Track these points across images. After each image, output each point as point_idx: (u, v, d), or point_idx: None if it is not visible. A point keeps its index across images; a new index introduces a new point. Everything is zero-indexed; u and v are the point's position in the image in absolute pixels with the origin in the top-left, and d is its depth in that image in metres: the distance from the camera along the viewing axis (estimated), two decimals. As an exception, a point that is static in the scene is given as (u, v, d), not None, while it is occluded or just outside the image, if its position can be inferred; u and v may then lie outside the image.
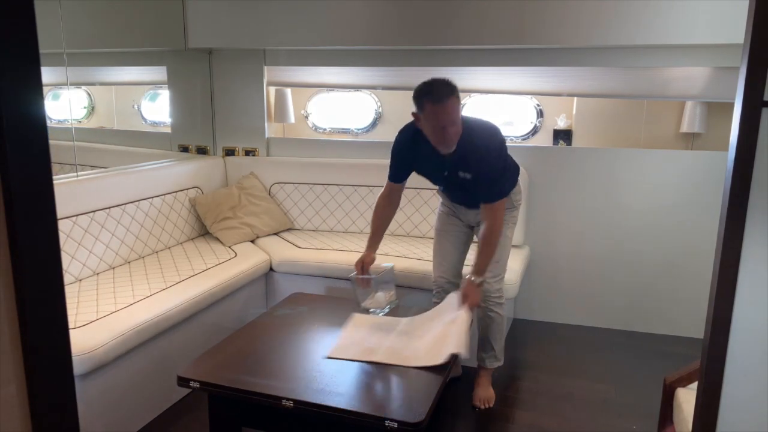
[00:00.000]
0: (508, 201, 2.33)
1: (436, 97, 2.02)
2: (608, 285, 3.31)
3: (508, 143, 3.73)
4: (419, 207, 3.35)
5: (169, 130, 4.08)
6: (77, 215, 2.61)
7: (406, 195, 3.37)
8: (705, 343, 1.12)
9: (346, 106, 4.14)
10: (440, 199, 2.57)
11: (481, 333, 2.49)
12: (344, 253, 3.03)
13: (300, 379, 1.87)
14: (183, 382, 1.86)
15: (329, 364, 1.94)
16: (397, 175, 2.40)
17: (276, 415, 1.86)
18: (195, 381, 1.85)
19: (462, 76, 3.48)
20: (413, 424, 1.63)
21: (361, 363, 1.94)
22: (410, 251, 3.05)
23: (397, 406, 1.71)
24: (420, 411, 1.68)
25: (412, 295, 2.81)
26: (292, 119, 4.03)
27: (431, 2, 3.06)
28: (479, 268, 2.19)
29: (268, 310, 2.52)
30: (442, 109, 2.02)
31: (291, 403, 1.72)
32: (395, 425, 1.63)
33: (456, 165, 2.19)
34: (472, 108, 3.82)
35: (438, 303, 2.33)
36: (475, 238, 2.48)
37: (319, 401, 1.71)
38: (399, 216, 3.39)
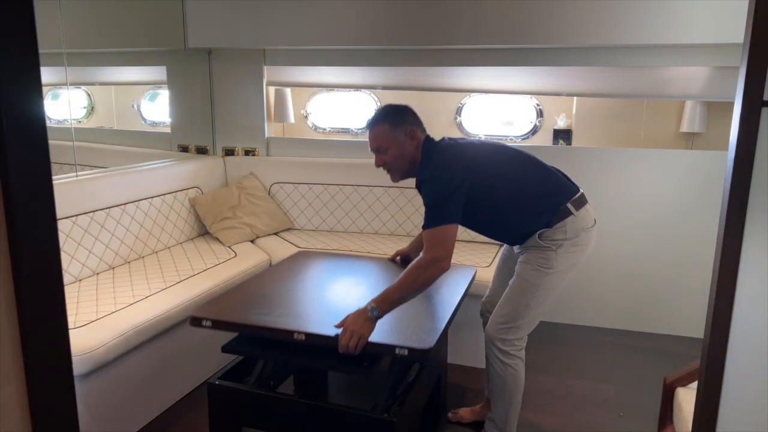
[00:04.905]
0: (531, 240, 2.00)
1: (368, 122, 2.05)
2: (608, 285, 3.31)
3: (510, 141, 3.76)
4: (419, 207, 3.35)
5: (168, 130, 4.08)
6: (77, 215, 2.61)
7: (406, 195, 3.37)
8: (705, 343, 1.12)
9: (346, 106, 4.14)
10: None
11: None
12: (344, 253, 3.03)
13: (311, 316, 1.96)
14: (195, 321, 1.88)
15: (339, 306, 1.96)
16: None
17: (276, 414, 1.86)
18: (207, 320, 1.86)
19: (462, 76, 3.49)
20: (422, 350, 1.66)
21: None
22: (410, 251, 3.05)
23: (407, 336, 1.73)
24: (429, 340, 1.70)
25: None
26: (292, 119, 4.03)
27: (431, 2, 3.07)
28: (381, 295, 1.78)
29: (273, 265, 2.52)
30: (370, 134, 2.04)
31: (303, 336, 1.73)
32: (405, 352, 1.66)
33: (418, 189, 2.04)
34: (471, 108, 3.82)
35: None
36: None
37: (330, 333, 1.72)
38: (399, 216, 3.40)
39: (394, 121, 1.99)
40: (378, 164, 2.03)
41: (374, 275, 2.37)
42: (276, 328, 1.79)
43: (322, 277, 2.43)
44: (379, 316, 1.74)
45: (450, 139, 2.07)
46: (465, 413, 2.38)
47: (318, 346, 1.77)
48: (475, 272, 2.40)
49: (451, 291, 2.12)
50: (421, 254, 1.86)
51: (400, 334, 1.75)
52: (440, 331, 1.77)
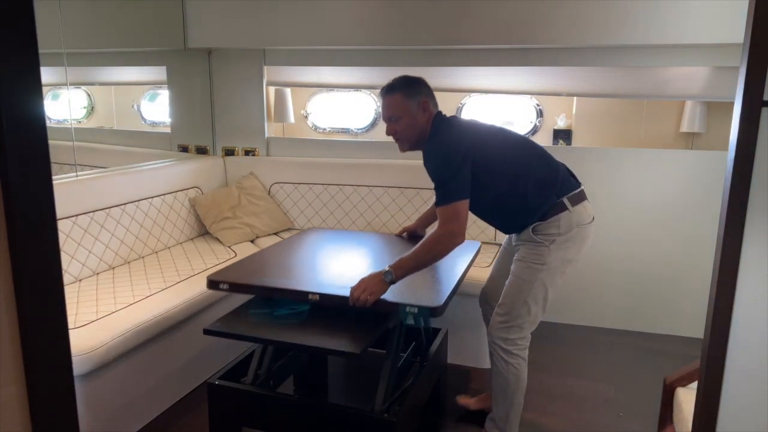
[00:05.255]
0: (525, 233, 2.02)
1: (382, 90, 2.08)
2: (608, 285, 3.31)
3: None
4: (419, 207, 3.35)
5: (168, 130, 4.08)
6: (77, 215, 2.61)
7: (406, 195, 3.37)
8: (705, 343, 1.12)
9: (346, 106, 4.14)
10: None
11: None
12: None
13: (323, 280, 2.07)
14: (213, 285, 1.96)
15: (350, 273, 2.00)
16: None
17: (276, 414, 1.86)
18: (224, 283, 1.94)
19: (462, 76, 3.49)
20: (432, 307, 1.75)
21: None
22: (410, 251, 3.05)
23: (417, 297, 1.82)
24: (438, 299, 1.80)
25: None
26: (292, 119, 4.03)
27: (431, 2, 3.06)
28: (396, 262, 1.84)
29: (284, 239, 2.61)
30: (383, 102, 2.07)
31: (317, 297, 1.82)
32: (415, 309, 1.75)
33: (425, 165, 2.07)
34: (471, 108, 3.82)
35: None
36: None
37: (344, 294, 1.79)
38: (399, 216, 3.39)
39: (408, 90, 2.02)
40: (388, 132, 2.07)
41: (382, 248, 2.43)
42: (290, 290, 1.88)
43: (331, 249, 2.52)
44: (393, 281, 1.81)
45: (461, 118, 2.11)
46: (472, 402, 2.41)
47: (301, 322, 1.84)
48: (480, 246, 2.48)
49: (457, 261, 2.20)
50: (436, 228, 1.91)
51: (410, 294, 1.83)
52: (448, 293, 1.85)
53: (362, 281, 1.80)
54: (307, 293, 1.84)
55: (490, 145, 2.01)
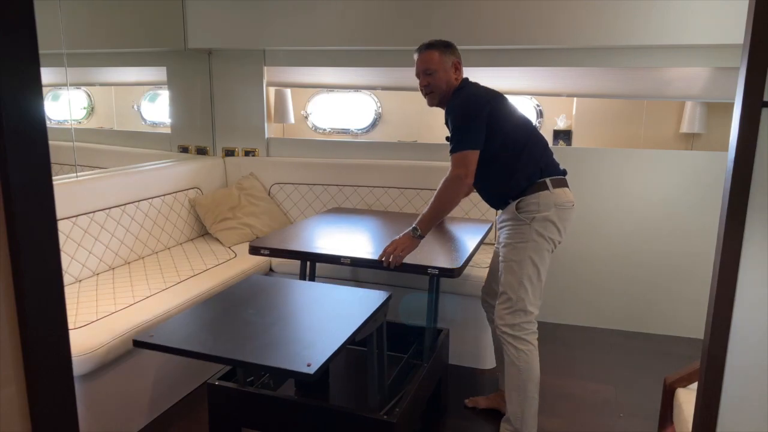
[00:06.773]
0: (510, 210, 2.10)
1: (420, 47, 2.22)
2: (608, 285, 3.32)
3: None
4: (419, 207, 3.35)
5: (168, 130, 4.08)
6: (77, 216, 2.61)
7: (406, 195, 3.37)
8: (705, 343, 1.12)
9: (346, 106, 4.14)
10: None
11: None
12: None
13: (354, 246, 2.31)
14: (254, 250, 2.26)
15: (379, 242, 2.26)
16: None
17: (276, 414, 1.86)
18: (265, 249, 2.23)
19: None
20: (450, 269, 1.99)
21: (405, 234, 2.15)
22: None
23: (438, 259, 2.08)
24: (456, 262, 2.04)
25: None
26: (292, 119, 4.03)
27: (431, 2, 3.07)
28: (420, 218, 2.07)
29: (308, 218, 2.89)
30: (419, 57, 2.20)
31: (349, 261, 2.09)
32: (436, 271, 2.00)
33: (446, 122, 2.21)
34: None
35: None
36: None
37: (373, 257, 2.06)
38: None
39: (445, 50, 2.19)
40: (422, 84, 2.21)
41: (400, 223, 2.58)
42: (326, 254, 2.17)
43: (355, 224, 2.75)
44: (421, 236, 2.07)
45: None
46: (481, 400, 2.47)
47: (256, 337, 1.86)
48: (492, 225, 2.74)
49: (471, 236, 2.44)
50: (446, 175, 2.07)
51: (432, 257, 2.09)
52: (465, 257, 2.10)
53: (393, 241, 2.07)
54: (339, 257, 2.10)
55: (504, 111, 2.14)
